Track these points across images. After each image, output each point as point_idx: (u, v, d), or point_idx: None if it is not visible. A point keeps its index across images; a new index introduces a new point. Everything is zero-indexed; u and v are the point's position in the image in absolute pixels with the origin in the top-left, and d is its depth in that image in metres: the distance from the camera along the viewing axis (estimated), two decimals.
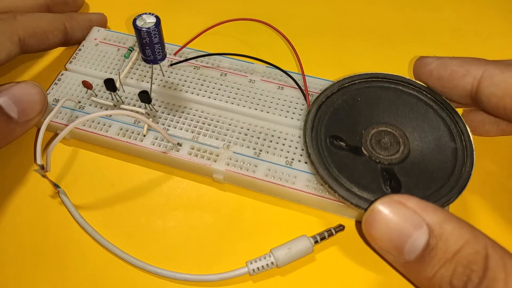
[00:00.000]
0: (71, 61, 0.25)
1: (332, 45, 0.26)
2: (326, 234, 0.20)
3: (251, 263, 0.19)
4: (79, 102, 0.23)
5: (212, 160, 0.21)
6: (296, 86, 0.24)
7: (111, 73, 0.25)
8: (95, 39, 0.26)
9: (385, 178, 0.19)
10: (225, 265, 0.20)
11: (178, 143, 0.22)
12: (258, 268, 0.19)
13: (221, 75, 0.24)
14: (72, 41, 0.26)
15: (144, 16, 0.21)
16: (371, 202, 0.18)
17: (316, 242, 0.20)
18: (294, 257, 0.19)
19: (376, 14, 0.26)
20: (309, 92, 0.23)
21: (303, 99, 0.23)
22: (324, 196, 0.20)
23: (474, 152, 0.19)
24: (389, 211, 0.17)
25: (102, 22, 0.28)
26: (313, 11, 0.27)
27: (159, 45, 0.21)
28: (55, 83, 0.24)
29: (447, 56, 0.20)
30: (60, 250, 0.20)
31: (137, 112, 0.23)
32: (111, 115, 0.23)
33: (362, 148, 0.20)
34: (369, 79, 0.21)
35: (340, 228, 0.20)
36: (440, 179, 0.19)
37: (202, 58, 0.25)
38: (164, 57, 0.22)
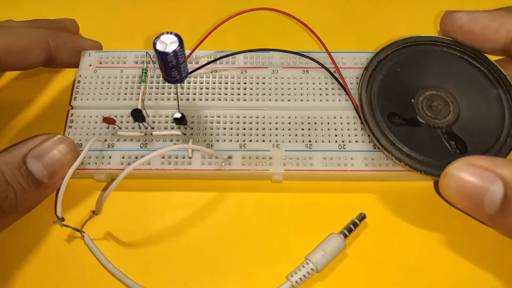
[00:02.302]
0: (75, 98, 0.23)
1: (345, 10, 0.26)
2: (352, 227, 0.20)
3: (292, 275, 0.19)
4: (105, 140, 0.22)
5: (267, 164, 0.21)
6: (320, 66, 0.23)
7: (125, 99, 0.23)
8: (90, 65, 0.24)
9: (449, 141, 0.20)
10: (262, 283, 0.19)
11: (228, 156, 0.21)
12: (300, 278, 0.19)
13: (241, 72, 0.23)
14: (56, 63, 0.23)
15: (161, 38, 0.19)
16: (443, 168, 0.19)
17: (345, 236, 0.20)
18: (330, 257, 0.19)
19: None
20: (333, 69, 0.23)
21: (331, 78, 0.23)
22: (386, 170, 0.21)
23: None
24: (462, 174, 0.18)
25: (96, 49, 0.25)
26: None
27: (184, 63, 0.20)
28: (69, 126, 0.22)
29: (477, 10, 0.20)
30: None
31: (173, 135, 0.22)
32: (148, 160, 0.21)
33: (418, 117, 0.21)
34: (400, 47, 0.22)
35: (362, 216, 0.20)
36: (495, 129, 0.20)
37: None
38: (188, 72, 0.21)
